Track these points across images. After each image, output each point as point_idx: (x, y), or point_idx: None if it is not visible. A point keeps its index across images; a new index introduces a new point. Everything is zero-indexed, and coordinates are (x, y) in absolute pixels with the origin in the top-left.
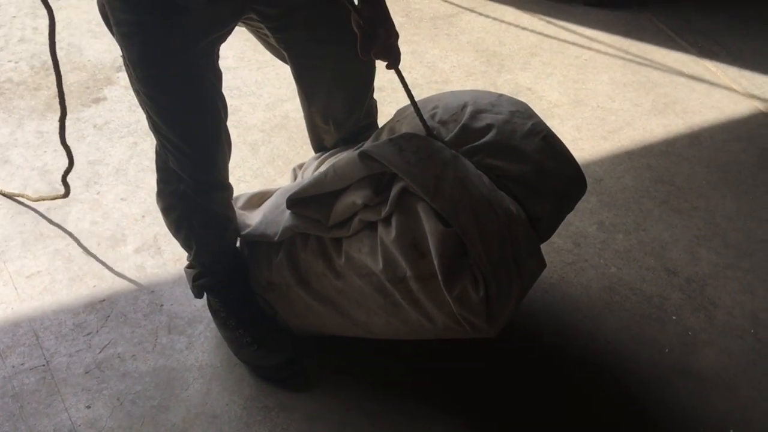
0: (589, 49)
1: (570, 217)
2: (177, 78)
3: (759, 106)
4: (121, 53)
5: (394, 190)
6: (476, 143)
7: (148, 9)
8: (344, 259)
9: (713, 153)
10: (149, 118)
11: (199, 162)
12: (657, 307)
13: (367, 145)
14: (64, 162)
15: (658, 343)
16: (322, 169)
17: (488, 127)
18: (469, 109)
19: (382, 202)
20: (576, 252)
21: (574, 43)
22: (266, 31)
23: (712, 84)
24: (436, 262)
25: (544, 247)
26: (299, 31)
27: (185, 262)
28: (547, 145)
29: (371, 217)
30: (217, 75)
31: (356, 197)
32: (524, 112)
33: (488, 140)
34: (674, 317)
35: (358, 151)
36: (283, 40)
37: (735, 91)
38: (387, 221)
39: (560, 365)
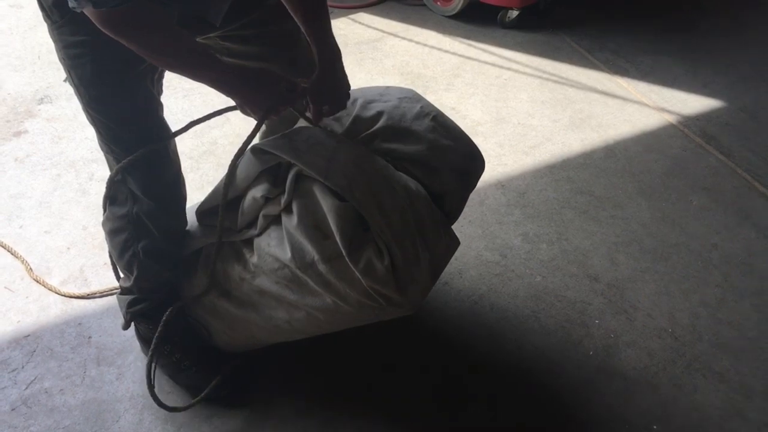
0: (509, 69)
1: (496, 230)
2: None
3: (668, 118)
4: (68, 80)
5: (290, 176)
6: (369, 131)
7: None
8: (257, 257)
9: (627, 164)
10: (104, 135)
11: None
12: (581, 312)
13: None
14: None
15: (583, 347)
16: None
17: (378, 115)
18: (359, 102)
19: (282, 193)
20: (503, 263)
21: (494, 64)
22: None
23: (624, 99)
24: (338, 238)
25: (472, 260)
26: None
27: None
28: (438, 125)
29: (274, 211)
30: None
31: (256, 192)
32: (412, 97)
33: (380, 126)
34: (597, 321)
35: (250, 147)
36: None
37: (646, 105)
38: (288, 209)
39: (491, 373)
